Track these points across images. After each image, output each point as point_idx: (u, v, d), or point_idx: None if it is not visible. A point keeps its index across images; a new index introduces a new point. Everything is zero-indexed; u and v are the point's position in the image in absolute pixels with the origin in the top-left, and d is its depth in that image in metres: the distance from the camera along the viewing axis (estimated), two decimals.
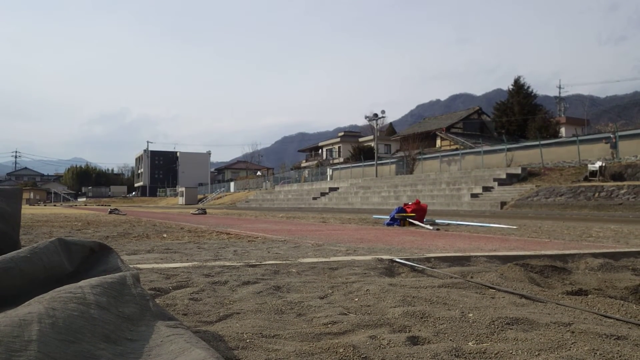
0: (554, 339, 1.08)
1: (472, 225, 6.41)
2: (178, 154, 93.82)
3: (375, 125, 36.95)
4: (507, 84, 48.27)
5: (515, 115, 44.22)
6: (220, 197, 50.74)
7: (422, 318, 1.26)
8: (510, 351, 1.01)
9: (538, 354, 0.99)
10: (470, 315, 1.28)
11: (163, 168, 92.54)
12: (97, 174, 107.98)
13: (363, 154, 45.74)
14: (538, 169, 23.11)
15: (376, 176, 34.32)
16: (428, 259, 2.37)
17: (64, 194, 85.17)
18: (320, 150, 63.29)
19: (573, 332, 1.15)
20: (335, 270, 2.08)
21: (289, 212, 15.36)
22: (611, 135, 22.39)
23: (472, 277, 1.93)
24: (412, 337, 1.09)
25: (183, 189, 54.05)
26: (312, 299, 1.52)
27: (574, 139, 24.79)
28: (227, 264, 2.22)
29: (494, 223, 6.78)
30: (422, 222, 5.93)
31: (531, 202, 17.90)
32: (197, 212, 11.67)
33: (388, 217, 6.48)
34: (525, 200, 18.23)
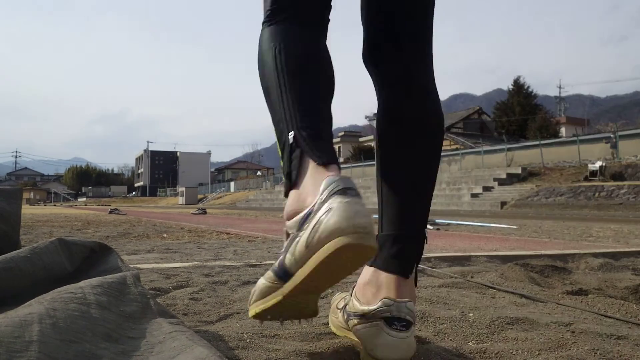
0: (554, 338, 1.08)
1: (472, 225, 6.41)
2: (178, 153, 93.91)
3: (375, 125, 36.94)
4: (507, 84, 48.32)
5: (516, 115, 44.24)
6: (221, 197, 50.79)
7: (422, 318, 1.26)
8: (511, 351, 1.01)
9: (538, 354, 1.00)
10: (471, 315, 1.28)
11: (163, 168, 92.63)
12: (97, 174, 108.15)
13: (363, 154, 45.77)
14: (538, 168, 23.12)
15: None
16: (428, 259, 2.37)
17: (64, 194, 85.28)
18: None
19: (573, 332, 1.15)
20: None
21: None
22: (611, 135, 22.40)
23: (472, 277, 1.93)
24: None
25: (183, 188, 54.07)
26: None
27: (574, 138, 24.80)
28: (227, 263, 2.22)
29: (494, 223, 6.78)
30: None
31: (531, 202, 17.92)
32: (197, 212, 11.68)
33: None
34: (525, 200, 18.24)
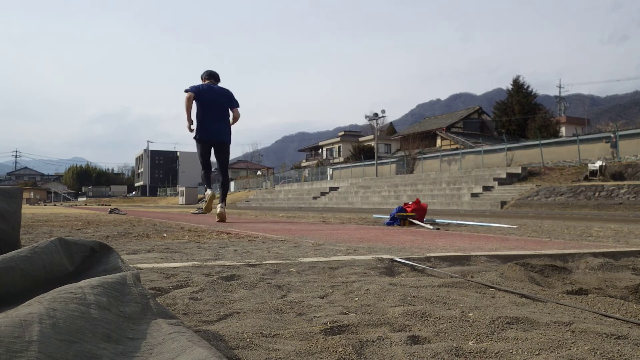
0: (554, 338, 1.08)
1: (472, 224, 6.41)
2: (178, 153, 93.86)
3: (375, 125, 36.96)
4: (507, 84, 48.27)
5: (516, 115, 44.25)
6: None
7: (422, 317, 1.26)
8: (511, 350, 1.01)
9: (538, 354, 1.00)
10: (471, 314, 1.28)
11: (163, 168, 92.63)
12: (98, 174, 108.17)
13: (363, 154, 45.79)
14: (538, 168, 23.12)
15: (376, 176, 34.33)
16: (428, 259, 2.37)
17: (64, 193, 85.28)
18: (320, 150, 63.33)
19: (573, 332, 1.15)
20: (335, 270, 2.08)
21: (289, 211, 15.37)
22: (611, 135, 22.41)
23: (472, 277, 1.93)
24: (412, 337, 1.09)
25: (183, 188, 54.03)
26: (312, 298, 1.52)
27: (574, 138, 24.81)
28: (227, 263, 2.22)
29: (494, 222, 6.78)
30: (422, 222, 5.93)
31: (531, 201, 17.92)
32: (197, 211, 11.66)
33: (388, 216, 6.48)
34: (525, 200, 18.25)
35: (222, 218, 6.31)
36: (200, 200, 52.04)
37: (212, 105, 6.44)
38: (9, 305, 0.91)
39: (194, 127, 6.46)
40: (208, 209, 7.10)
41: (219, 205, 6.41)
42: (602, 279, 2.04)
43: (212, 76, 6.77)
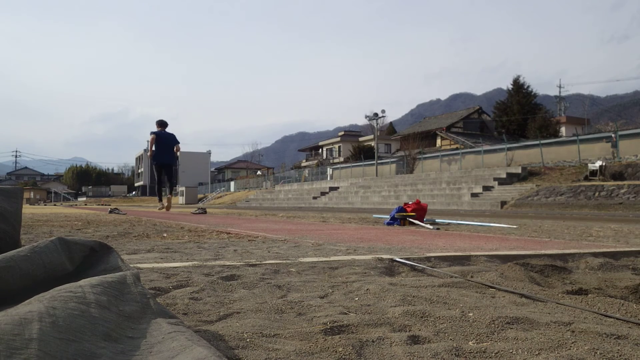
0: (554, 338, 1.08)
1: (472, 224, 6.41)
2: (178, 153, 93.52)
3: (375, 125, 36.96)
4: (507, 84, 48.22)
5: (516, 115, 44.21)
6: (221, 197, 50.74)
7: (422, 317, 1.26)
8: (511, 350, 1.01)
9: (538, 354, 1.00)
10: (471, 314, 1.28)
11: None
12: (98, 174, 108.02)
13: (363, 154, 45.79)
14: (538, 168, 23.11)
15: (376, 176, 34.32)
16: (428, 259, 2.37)
17: (64, 193, 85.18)
18: (320, 150, 63.35)
19: (573, 332, 1.15)
20: (335, 270, 2.08)
21: (289, 211, 15.36)
22: (612, 135, 22.38)
23: (472, 277, 1.93)
24: (412, 337, 1.09)
25: (183, 188, 53.97)
26: (312, 298, 1.52)
27: (575, 138, 24.79)
28: (228, 263, 2.22)
29: (494, 222, 6.78)
30: (423, 222, 5.93)
31: (531, 201, 17.91)
32: (197, 211, 11.66)
33: (388, 216, 6.48)
34: (525, 200, 18.23)
35: (168, 207, 11.58)
36: (201, 200, 52.24)
37: (163, 143, 10.94)
38: (9, 304, 0.91)
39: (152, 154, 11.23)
40: (169, 207, 11.59)
41: (166, 197, 11.29)
42: (602, 279, 2.04)
43: (162, 124, 11.05)
